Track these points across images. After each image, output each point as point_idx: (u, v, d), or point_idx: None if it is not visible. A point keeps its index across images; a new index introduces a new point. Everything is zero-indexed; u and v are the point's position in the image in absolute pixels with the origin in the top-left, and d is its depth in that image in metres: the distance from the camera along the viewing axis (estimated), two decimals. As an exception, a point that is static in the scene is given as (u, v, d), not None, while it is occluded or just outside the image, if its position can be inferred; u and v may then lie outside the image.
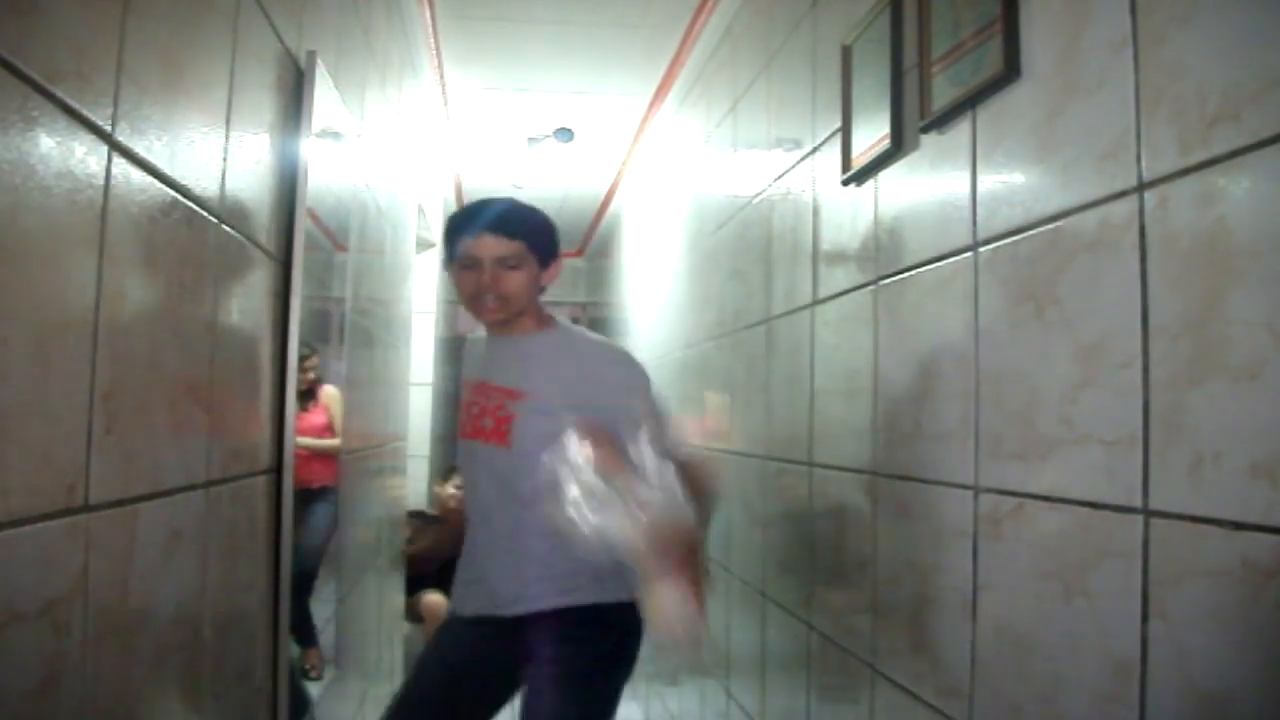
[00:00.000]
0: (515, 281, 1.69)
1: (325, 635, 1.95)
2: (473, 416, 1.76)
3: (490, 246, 1.67)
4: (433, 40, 3.22)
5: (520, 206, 1.76)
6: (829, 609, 1.93)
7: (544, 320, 1.79)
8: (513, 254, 1.68)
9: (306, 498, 1.54)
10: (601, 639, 1.69)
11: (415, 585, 3.97)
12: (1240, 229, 0.88)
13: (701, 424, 3.07)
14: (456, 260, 1.72)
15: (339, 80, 1.82)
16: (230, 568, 1.30)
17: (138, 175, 0.95)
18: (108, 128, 0.88)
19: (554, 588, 1.68)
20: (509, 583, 1.70)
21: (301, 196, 1.52)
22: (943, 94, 1.43)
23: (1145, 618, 0.98)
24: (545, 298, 1.84)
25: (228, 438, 1.26)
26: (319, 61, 1.58)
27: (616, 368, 1.72)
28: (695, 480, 1.61)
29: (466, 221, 1.70)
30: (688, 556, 1.47)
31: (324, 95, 1.63)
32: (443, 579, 3.99)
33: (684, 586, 1.44)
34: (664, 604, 1.44)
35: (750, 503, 2.51)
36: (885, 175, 1.67)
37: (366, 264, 2.31)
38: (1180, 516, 0.94)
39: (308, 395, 1.82)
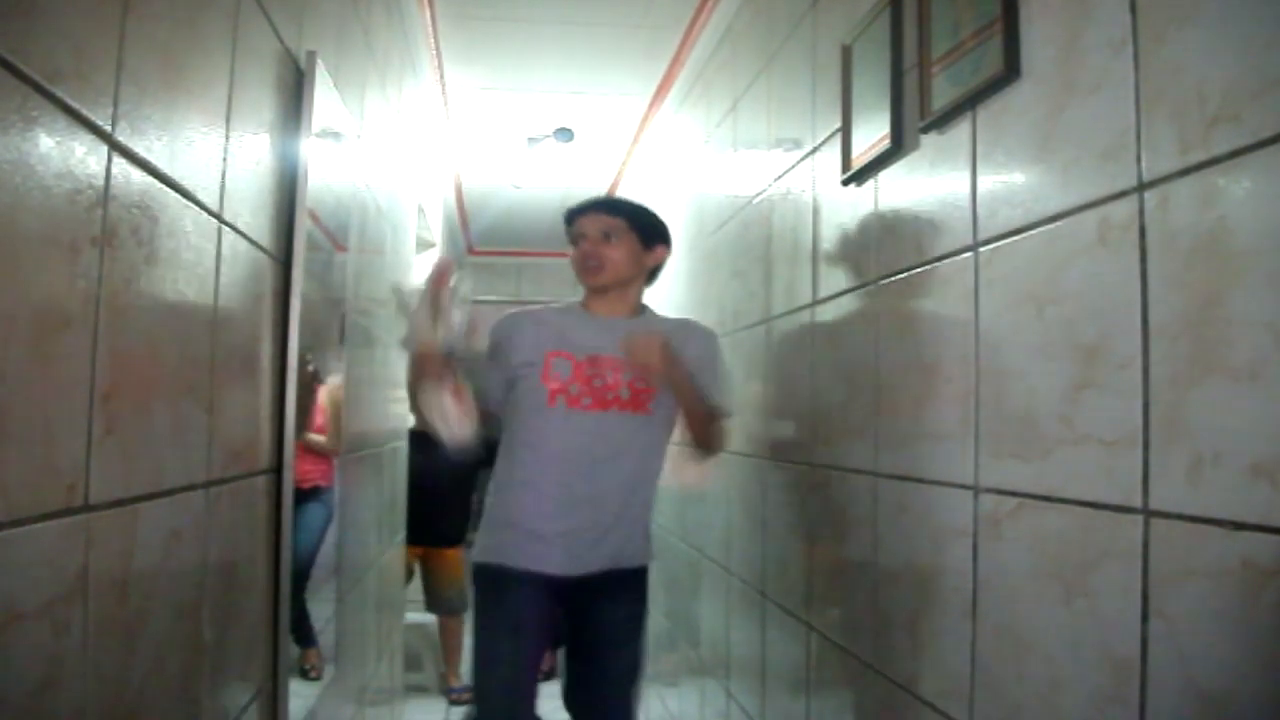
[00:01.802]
0: (617, 251, 1.99)
1: (325, 635, 1.95)
2: (595, 388, 1.93)
3: (593, 221, 2.00)
4: (433, 40, 3.21)
5: (621, 198, 2.14)
6: (829, 609, 1.93)
7: (644, 308, 2.09)
8: (613, 228, 1.99)
9: (299, 497, 1.55)
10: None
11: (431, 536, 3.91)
12: (1240, 229, 0.88)
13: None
14: (570, 239, 2.03)
15: (339, 80, 1.82)
16: (230, 568, 1.30)
17: (138, 175, 0.95)
18: (108, 128, 0.88)
19: (647, 545, 2.04)
20: (631, 541, 1.98)
21: (301, 196, 1.52)
22: (943, 94, 1.43)
23: (1145, 618, 0.98)
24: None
25: (228, 438, 1.26)
26: (319, 61, 1.58)
27: (714, 342, 2.11)
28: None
29: (579, 206, 2.05)
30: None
31: (324, 95, 1.63)
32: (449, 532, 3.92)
33: None
34: None
35: (750, 503, 2.51)
36: (885, 175, 1.67)
37: (366, 264, 2.31)
38: (1180, 516, 0.94)
39: (306, 394, 1.82)
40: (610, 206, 2.04)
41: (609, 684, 2.01)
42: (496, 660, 1.93)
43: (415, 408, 1.91)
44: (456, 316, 1.76)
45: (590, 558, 1.93)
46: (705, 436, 2.03)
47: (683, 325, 2.14)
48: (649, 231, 2.04)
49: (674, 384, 1.91)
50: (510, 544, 1.94)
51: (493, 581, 1.96)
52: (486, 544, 1.99)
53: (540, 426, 1.94)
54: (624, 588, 2.01)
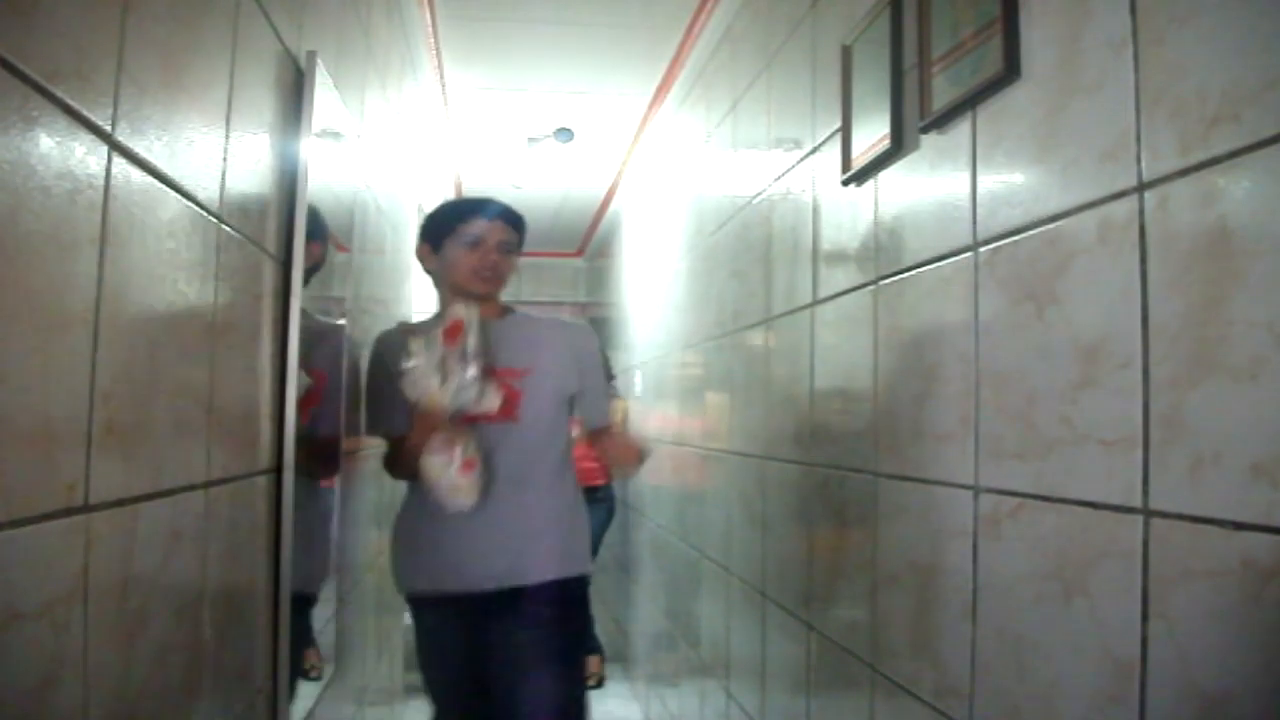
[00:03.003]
0: (509, 265, 1.97)
1: (325, 635, 1.95)
2: None
3: (499, 231, 1.95)
4: (433, 40, 3.22)
5: (507, 205, 2.02)
6: (829, 609, 1.93)
7: (505, 307, 2.03)
8: (512, 243, 1.97)
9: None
10: (582, 608, 1.96)
11: None
12: (1240, 229, 0.88)
13: (701, 423, 3.07)
14: (457, 239, 1.93)
15: (339, 80, 1.82)
16: (230, 568, 1.30)
17: (138, 175, 0.95)
18: (108, 128, 0.88)
19: (555, 558, 1.88)
20: (521, 554, 1.85)
21: (301, 196, 1.52)
22: (943, 94, 1.43)
23: (1145, 618, 0.98)
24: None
25: (228, 438, 1.26)
26: (319, 61, 1.58)
27: (593, 341, 2.07)
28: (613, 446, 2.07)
29: (484, 207, 1.97)
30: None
31: (324, 95, 1.63)
32: None
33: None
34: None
35: (750, 503, 2.51)
36: (885, 175, 1.67)
37: (366, 264, 2.31)
38: (1180, 516, 0.94)
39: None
40: (515, 220, 2.00)
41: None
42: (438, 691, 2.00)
43: (398, 472, 1.88)
44: (469, 374, 1.68)
45: (479, 574, 1.85)
46: (615, 459, 2.06)
47: (559, 325, 2.10)
48: (522, 244, 2.04)
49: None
50: (407, 564, 1.95)
51: (416, 614, 1.99)
52: (393, 564, 2.02)
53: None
54: (541, 604, 1.85)
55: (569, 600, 1.90)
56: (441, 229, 1.96)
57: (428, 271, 2.02)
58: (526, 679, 1.82)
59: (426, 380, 1.66)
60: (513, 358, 1.89)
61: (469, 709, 1.91)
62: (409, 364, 1.68)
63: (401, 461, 1.87)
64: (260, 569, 1.44)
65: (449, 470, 1.67)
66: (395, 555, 1.99)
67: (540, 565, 1.85)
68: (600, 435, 2.05)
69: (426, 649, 1.98)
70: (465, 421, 1.76)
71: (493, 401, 1.71)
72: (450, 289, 1.96)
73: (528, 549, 1.85)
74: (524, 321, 2.02)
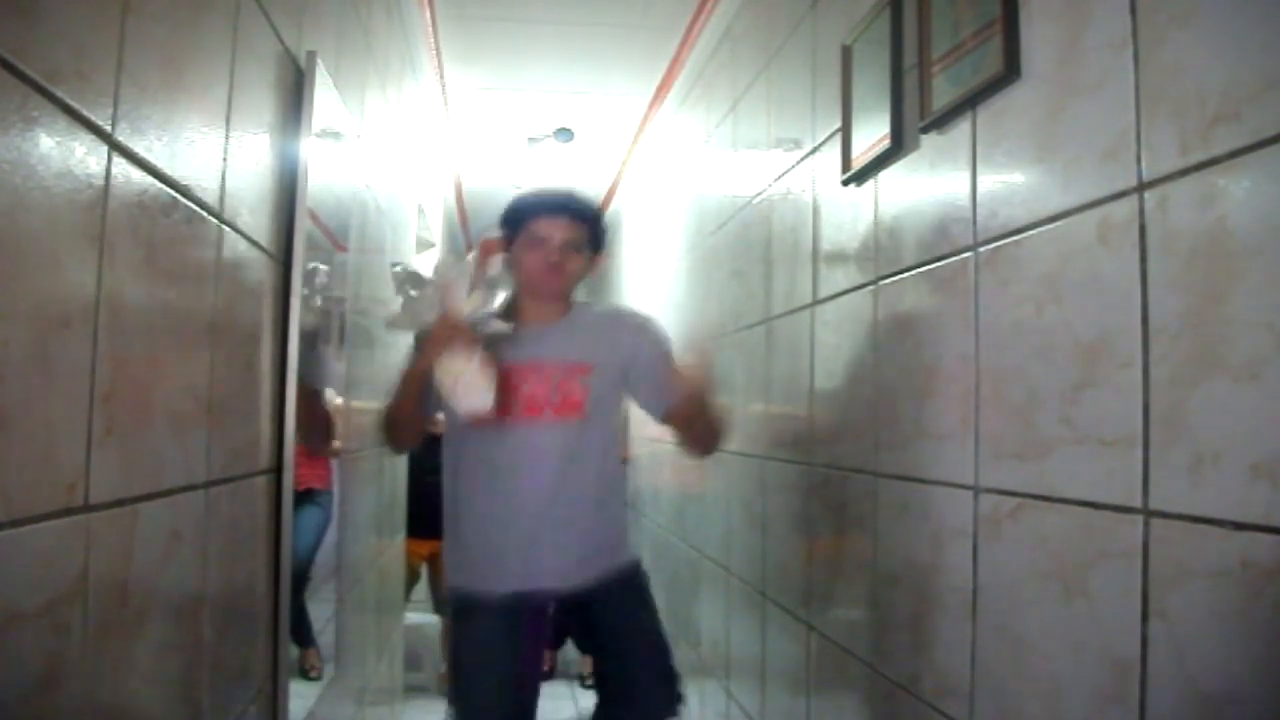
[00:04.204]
0: (576, 264, 1.88)
1: (324, 635, 1.95)
2: (523, 396, 1.82)
3: (561, 228, 1.85)
4: (433, 40, 3.22)
5: (583, 198, 1.94)
6: (829, 609, 1.93)
7: (572, 302, 1.97)
8: (578, 239, 1.87)
9: (296, 499, 1.54)
10: (643, 581, 2.00)
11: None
12: (1240, 229, 0.88)
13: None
14: (525, 237, 1.86)
15: (339, 80, 1.82)
16: (230, 568, 1.30)
17: (138, 175, 0.95)
18: (108, 128, 0.88)
19: (621, 550, 1.94)
20: (598, 547, 1.87)
21: (301, 196, 1.52)
22: (943, 94, 1.43)
23: (1145, 618, 0.98)
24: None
25: (228, 438, 1.26)
26: (319, 61, 1.58)
27: (649, 326, 2.00)
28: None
29: (543, 204, 1.88)
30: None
31: (324, 95, 1.63)
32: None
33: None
34: None
35: (750, 503, 2.51)
36: (885, 175, 1.67)
37: (366, 264, 2.31)
38: (1180, 516, 0.94)
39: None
40: (581, 214, 1.88)
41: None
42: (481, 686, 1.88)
43: (402, 402, 1.79)
44: (491, 298, 1.70)
45: (555, 571, 1.83)
46: (702, 435, 1.89)
47: (621, 317, 2.06)
48: (600, 240, 1.94)
49: (694, 396, 1.77)
50: (466, 563, 1.87)
51: (463, 606, 1.88)
52: (451, 562, 1.92)
53: (470, 442, 1.85)
54: (615, 591, 1.91)
55: (630, 579, 1.95)
56: (511, 226, 1.90)
57: (506, 265, 1.89)
58: (622, 628, 1.92)
59: (455, 287, 1.66)
60: (580, 353, 1.87)
61: (509, 711, 1.85)
62: (439, 268, 1.71)
63: (410, 380, 1.77)
64: (260, 569, 1.44)
65: (468, 368, 1.64)
66: (458, 557, 1.90)
67: (606, 559, 1.89)
68: (676, 414, 1.87)
69: (477, 650, 1.86)
70: (526, 414, 1.79)
71: (503, 329, 1.72)
72: (520, 288, 1.89)
73: (598, 544, 1.88)
74: (587, 314, 1.99)
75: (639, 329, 1.98)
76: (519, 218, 1.88)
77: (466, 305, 1.67)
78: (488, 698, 1.82)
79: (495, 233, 1.78)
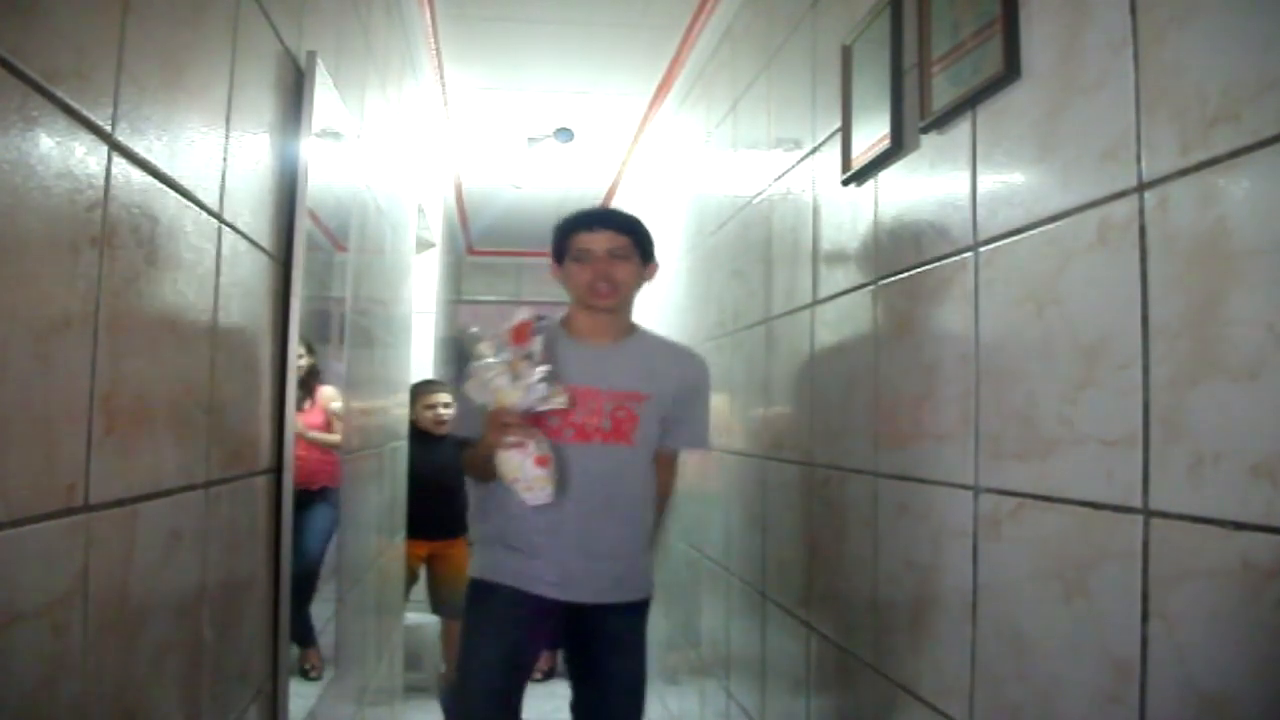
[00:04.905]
0: (625, 272, 1.93)
1: (325, 635, 1.95)
2: (576, 421, 1.87)
3: (604, 239, 1.92)
4: (433, 40, 3.22)
5: (625, 212, 2.04)
6: (829, 609, 1.93)
7: (634, 326, 2.03)
8: (623, 247, 1.92)
9: (306, 499, 1.54)
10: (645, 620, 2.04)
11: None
12: (1240, 229, 0.88)
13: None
14: (570, 255, 1.94)
15: (339, 80, 1.82)
16: (230, 568, 1.30)
17: (138, 175, 0.95)
18: (108, 128, 0.88)
19: (647, 578, 1.99)
20: (629, 572, 1.93)
21: (301, 196, 1.52)
22: (943, 94, 1.43)
23: (1145, 618, 0.98)
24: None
25: (228, 438, 1.26)
26: (319, 61, 1.58)
27: (705, 375, 2.07)
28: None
29: (587, 218, 1.96)
30: None
31: (324, 95, 1.63)
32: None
33: None
34: None
35: (750, 503, 2.51)
36: (885, 175, 1.67)
37: (366, 264, 2.31)
38: (1180, 516, 0.94)
39: (305, 392, 1.81)
40: (621, 224, 1.96)
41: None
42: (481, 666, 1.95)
43: (477, 474, 1.89)
44: (537, 374, 1.68)
45: (582, 587, 1.90)
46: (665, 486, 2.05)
47: (677, 352, 2.11)
48: (648, 249, 2.00)
49: None
50: (502, 563, 1.92)
51: (485, 597, 1.94)
52: (483, 561, 1.98)
53: None
54: (635, 615, 1.98)
55: (641, 612, 2.01)
56: (560, 247, 1.98)
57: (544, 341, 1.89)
58: (612, 666, 1.96)
59: (498, 380, 1.67)
60: (635, 382, 1.92)
61: (501, 694, 1.91)
62: (478, 364, 1.71)
63: (478, 464, 1.87)
64: (260, 569, 1.44)
65: (524, 465, 1.69)
66: (493, 559, 1.94)
67: (635, 585, 1.95)
68: (665, 459, 2.05)
69: (488, 629, 1.93)
70: (534, 421, 1.77)
71: (559, 400, 1.73)
72: (575, 304, 1.98)
73: (629, 568, 1.93)
74: (646, 342, 2.04)
75: (695, 372, 2.05)
76: (562, 237, 1.96)
77: (513, 393, 1.67)
78: (490, 662, 1.89)
79: (525, 313, 1.77)
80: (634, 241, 1.95)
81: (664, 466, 2.05)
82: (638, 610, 1.99)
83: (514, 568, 1.90)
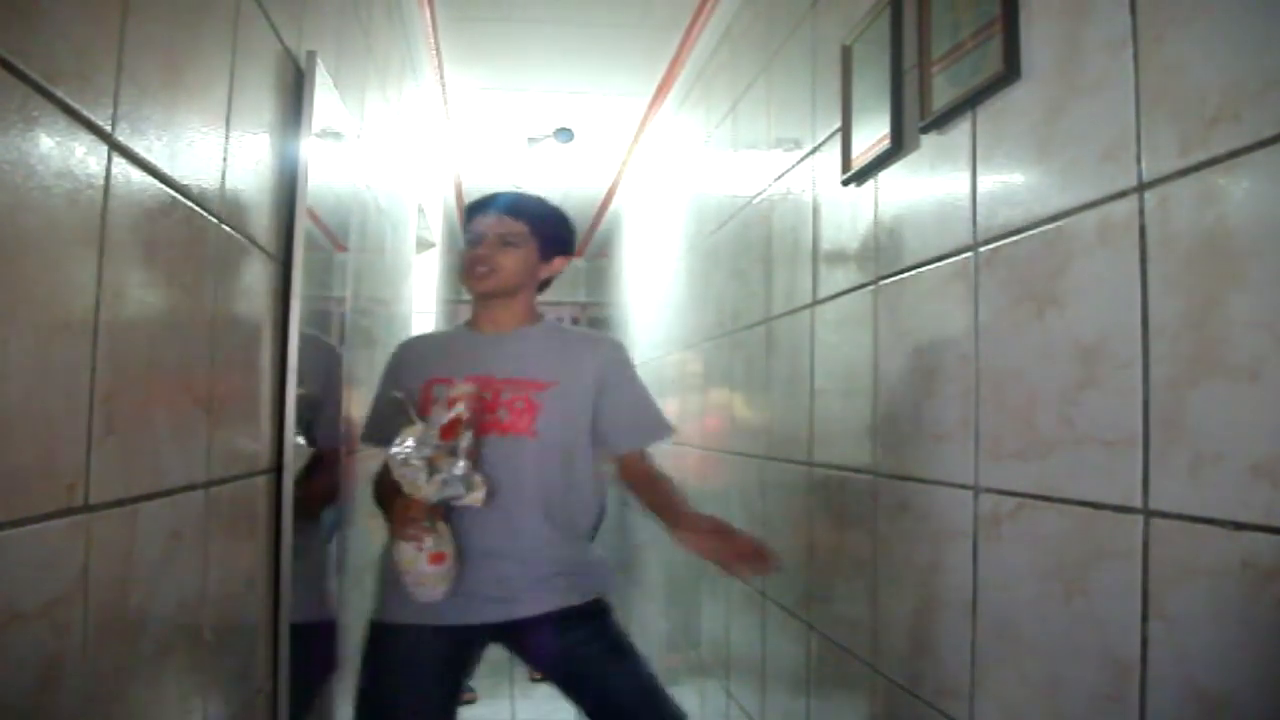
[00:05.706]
0: (510, 259, 1.79)
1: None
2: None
3: (493, 223, 1.80)
4: (433, 40, 3.22)
5: (530, 196, 1.89)
6: (829, 609, 1.93)
7: (538, 316, 1.89)
8: (513, 233, 1.80)
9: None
10: (598, 620, 1.80)
11: None
12: (1240, 229, 0.88)
13: (704, 423, 3.07)
14: (467, 238, 1.83)
15: (339, 80, 1.82)
16: (230, 568, 1.30)
17: (138, 175, 0.95)
18: (108, 128, 0.88)
19: (558, 589, 1.73)
20: (552, 574, 1.72)
21: (301, 196, 1.52)
22: (943, 94, 1.43)
23: (1145, 618, 0.98)
24: (545, 297, 1.93)
25: (228, 438, 1.26)
26: (319, 62, 1.58)
27: (621, 353, 1.88)
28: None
29: (480, 204, 1.85)
30: None
31: (324, 95, 1.63)
32: None
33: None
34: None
35: (750, 503, 2.51)
36: (885, 175, 1.67)
37: (366, 264, 2.31)
38: (1180, 516, 0.94)
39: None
40: (514, 209, 1.82)
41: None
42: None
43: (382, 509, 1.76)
44: (457, 469, 1.58)
45: (474, 606, 1.69)
46: (653, 508, 1.77)
47: (585, 337, 1.92)
48: (550, 243, 1.84)
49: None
50: (396, 599, 1.68)
51: (378, 637, 1.75)
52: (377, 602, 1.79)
53: None
54: (571, 629, 1.73)
55: (581, 623, 1.75)
56: (464, 230, 1.87)
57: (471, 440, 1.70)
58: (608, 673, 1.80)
59: (415, 473, 1.58)
60: (537, 370, 1.76)
61: None
62: (397, 449, 1.60)
63: (384, 508, 1.75)
64: (260, 569, 1.44)
65: (418, 560, 1.60)
66: (381, 585, 1.78)
67: (537, 597, 1.71)
68: (639, 468, 1.82)
69: (387, 680, 1.74)
70: (441, 514, 1.65)
71: (476, 495, 1.61)
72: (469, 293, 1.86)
73: (526, 579, 1.70)
74: (553, 332, 1.87)
75: (608, 352, 1.85)
76: (466, 220, 1.86)
77: (428, 488, 1.58)
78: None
79: (462, 408, 1.61)
80: (531, 229, 1.81)
81: (635, 477, 1.82)
82: (589, 614, 1.76)
83: (407, 597, 1.65)
